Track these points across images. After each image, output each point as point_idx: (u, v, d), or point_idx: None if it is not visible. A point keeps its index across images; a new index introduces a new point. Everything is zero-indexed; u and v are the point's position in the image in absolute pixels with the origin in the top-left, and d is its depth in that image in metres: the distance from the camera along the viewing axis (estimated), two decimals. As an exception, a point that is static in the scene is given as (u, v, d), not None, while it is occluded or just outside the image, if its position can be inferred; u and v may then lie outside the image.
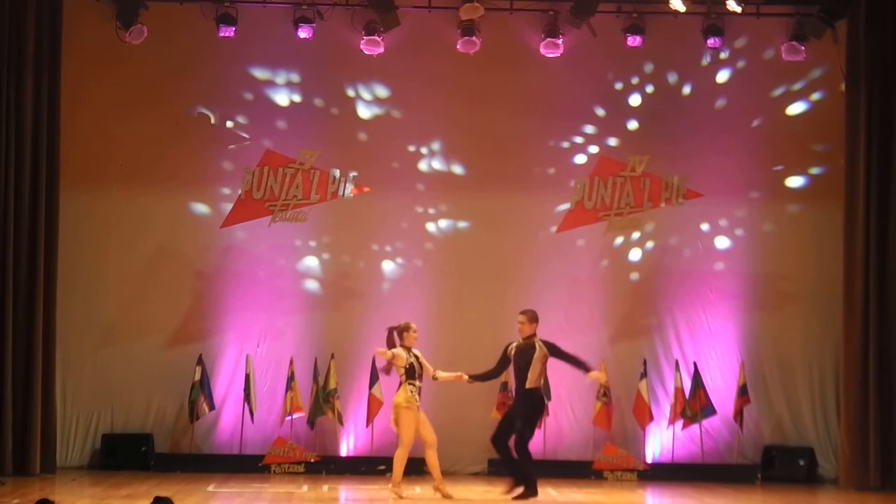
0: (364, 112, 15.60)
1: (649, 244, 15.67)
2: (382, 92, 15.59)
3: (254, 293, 15.31)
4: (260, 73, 15.50)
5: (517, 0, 15.26)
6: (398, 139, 15.62)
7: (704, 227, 15.65)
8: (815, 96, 15.57)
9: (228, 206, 15.45)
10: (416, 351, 12.59)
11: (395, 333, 12.52)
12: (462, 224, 15.67)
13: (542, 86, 15.51)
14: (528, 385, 12.44)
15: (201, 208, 15.48)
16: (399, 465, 12.32)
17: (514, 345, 12.63)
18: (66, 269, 14.47)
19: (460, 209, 15.67)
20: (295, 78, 15.54)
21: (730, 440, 15.32)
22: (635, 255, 15.66)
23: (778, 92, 15.65)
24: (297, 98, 15.56)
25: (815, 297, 15.40)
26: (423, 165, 15.64)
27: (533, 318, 12.57)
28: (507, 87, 15.47)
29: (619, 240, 15.66)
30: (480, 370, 15.34)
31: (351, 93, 15.59)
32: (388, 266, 15.58)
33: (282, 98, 15.53)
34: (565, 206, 15.64)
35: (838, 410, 14.79)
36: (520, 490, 12.39)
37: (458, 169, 15.64)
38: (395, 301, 15.38)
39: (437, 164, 15.65)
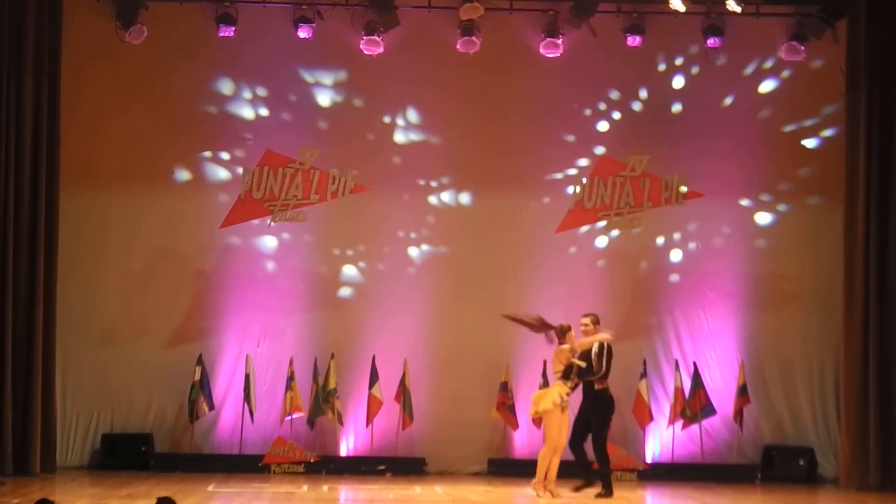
0: (363, 112, 15.59)
1: (649, 244, 15.67)
2: (381, 92, 15.57)
3: (254, 293, 15.30)
4: (259, 73, 15.48)
5: (517, 0, 15.26)
6: (397, 139, 15.61)
7: (704, 227, 15.65)
8: (816, 96, 15.56)
9: (228, 206, 15.45)
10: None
11: (556, 332, 12.34)
12: (461, 224, 15.64)
13: (543, 85, 15.50)
14: (596, 387, 12.50)
15: (201, 208, 15.46)
16: (542, 465, 12.22)
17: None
18: (65, 268, 14.45)
19: (459, 209, 15.65)
20: (294, 77, 15.51)
21: (730, 440, 15.32)
22: (635, 255, 15.66)
23: (778, 92, 15.65)
24: (296, 98, 15.54)
25: (815, 297, 15.40)
26: (422, 165, 15.62)
27: (596, 320, 12.66)
28: (508, 87, 15.46)
29: (619, 240, 15.65)
30: (479, 370, 15.41)
31: (350, 93, 15.58)
32: (387, 266, 15.56)
33: (281, 97, 15.52)
34: (565, 206, 15.64)
35: (838, 410, 14.79)
36: (596, 489, 12.51)
37: (456, 168, 15.62)
38: (394, 301, 15.38)
39: (436, 164, 15.63)
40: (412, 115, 15.60)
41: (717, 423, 15.26)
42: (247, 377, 14.97)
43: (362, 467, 14.93)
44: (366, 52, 15.09)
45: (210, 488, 12.99)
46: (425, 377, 15.20)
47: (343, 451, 15.19)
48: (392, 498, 12.61)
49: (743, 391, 15.13)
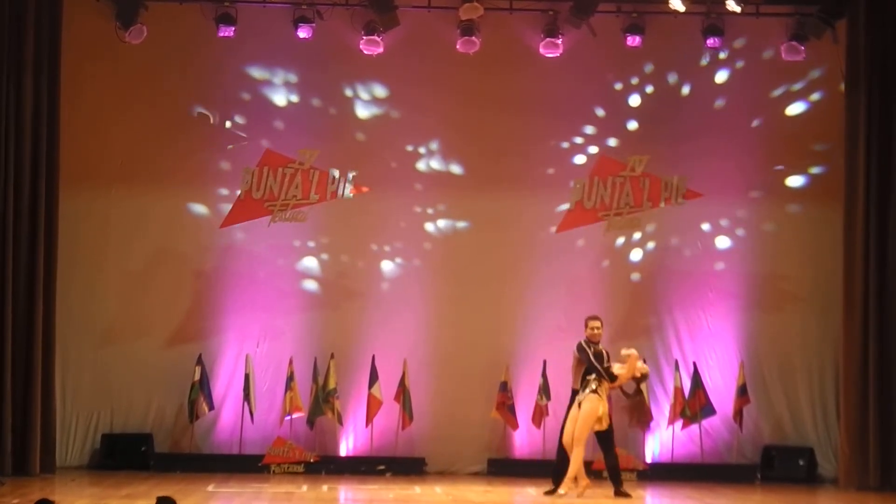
0: (363, 112, 15.60)
1: (649, 244, 15.68)
2: (381, 92, 15.59)
3: (253, 293, 15.30)
4: (259, 73, 15.50)
5: (517, 0, 15.26)
6: (397, 139, 15.61)
7: (704, 227, 15.66)
8: (815, 96, 15.59)
9: (228, 206, 15.45)
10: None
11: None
12: (461, 224, 15.67)
13: (542, 86, 15.50)
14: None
15: (201, 208, 15.46)
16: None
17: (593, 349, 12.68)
18: (65, 268, 14.45)
19: (459, 209, 15.66)
20: (294, 78, 15.53)
21: (729, 440, 15.32)
22: (635, 255, 15.67)
23: (777, 92, 15.66)
24: (296, 98, 15.56)
25: (814, 297, 15.41)
26: (422, 165, 15.64)
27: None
28: (507, 87, 15.46)
29: (619, 240, 15.66)
30: (479, 370, 15.40)
31: (350, 93, 15.59)
32: (387, 266, 15.58)
33: (281, 98, 15.53)
34: (565, 206, 15.64)
35: (838, 410, 14.79)
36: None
37: (457, 169, 15.64)
38: (394, 301, 15.39)
39: (436, 164, 15.65)
40: (412, 116, 15.59)
41: (717, 423, 15.27)
42: (246, 377, 14.98)
43: (362, 467, 14.93)
44: (365, 52, 15.09)
45: (210, 488, 12.99)
46: (425, 377, 15.20)
47: (343, 451, 15.19)
48: (392, 498, 12.60)
49: (743, 391, 15.13)
